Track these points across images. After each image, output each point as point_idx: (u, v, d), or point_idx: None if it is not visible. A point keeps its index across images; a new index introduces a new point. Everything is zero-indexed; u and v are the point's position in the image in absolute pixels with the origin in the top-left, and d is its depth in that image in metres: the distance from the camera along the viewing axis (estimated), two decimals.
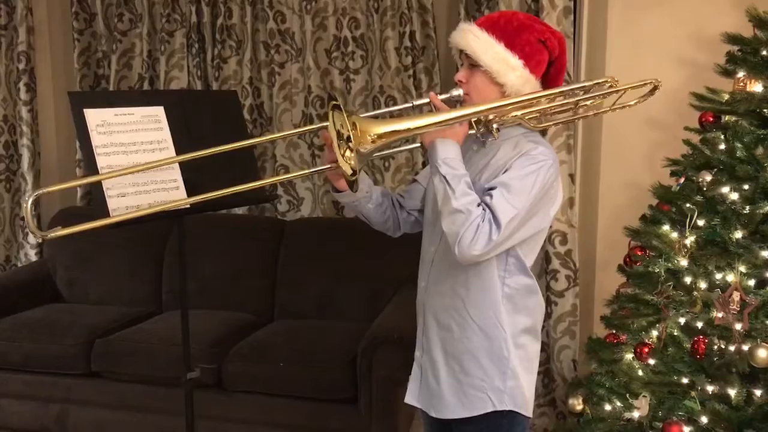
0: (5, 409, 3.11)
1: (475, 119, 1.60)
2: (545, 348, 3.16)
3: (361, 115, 1.53)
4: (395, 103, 3.39)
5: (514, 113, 1.62)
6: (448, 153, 1.53)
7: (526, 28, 1.60)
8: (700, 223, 2.26)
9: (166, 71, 3.66)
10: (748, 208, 2.17)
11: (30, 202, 1.48)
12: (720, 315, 2.09)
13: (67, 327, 3.13)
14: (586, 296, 3.18)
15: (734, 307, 2.07)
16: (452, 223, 1.49)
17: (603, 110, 1.82)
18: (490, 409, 1.63)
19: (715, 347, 2.13)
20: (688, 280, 2.23)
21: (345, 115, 1.44)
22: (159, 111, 2.10)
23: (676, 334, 2.26)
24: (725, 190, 2.21)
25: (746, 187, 2.18)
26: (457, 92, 1.63)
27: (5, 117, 3.83)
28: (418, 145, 1.70)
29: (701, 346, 2.11)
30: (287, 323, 3.23)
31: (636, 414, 2.28)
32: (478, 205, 1.50)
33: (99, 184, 1.94)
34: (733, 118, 2.30)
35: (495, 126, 1.61)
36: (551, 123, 1.78)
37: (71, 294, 3.60)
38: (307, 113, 3.54)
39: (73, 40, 3.75)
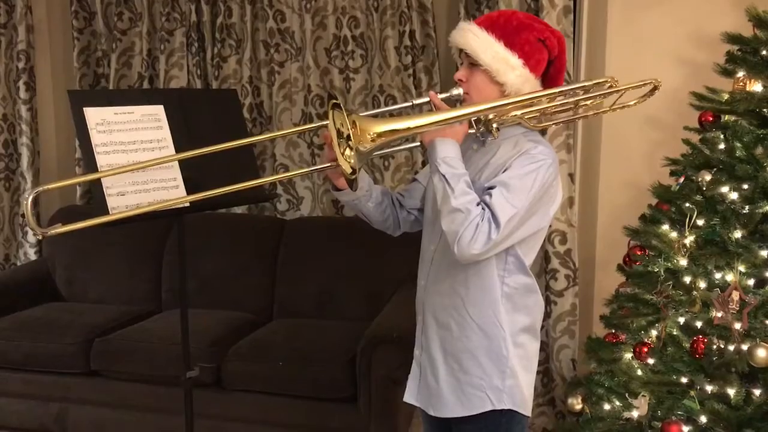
0: (4, 408, 3.10)
1: (475, 118, 1.61)
2: (544, 347, 3.16)
3: (361, 114, 1.53)
4: (395, 102, 3.39)
5: (513, 113, 1.62)
6: (448, 152, 1.53)
7: (526, 27, 1.60)
8: (700, 222, 2.26)
9: (166, 70, 3.66)
10: (747, 207, 2.17)
11: (30, 199, 1.47)
12: (719, 314, 2.09)
13: (67, 326, 3.13)
14: (586, 296, 3.18)
15: (733, 306, 2.07)
16: (451, 222, 1.49)
17: (603, 110, 1.82)
18: (488, 408, 1.63)
19: (715, 347, 2.13)
20: (687, 279, 2.23)
21: (345, 114, 1.44)
22: (159, 110, 2.10)
23: (675, 333, 2.26)
24: (725, 189, 2.21)
25: (746, 186, 2.18)
26: (457, 91, 1.63)
27: (5, 116, 3.83)
28: (418, 144, 1.70)
29: (700, 346, 2.12)
30: (286, 322, 3.23)
31: (635, 413, 2.28)
32: (478, 204, 1.50)
33: (99, 182, 1.93)
34: (733, 118, 2.30)
35: (495, 125, 1.61)
36: (551, 123, 1.79)
37: (70, 293, 3.60)
38: (307, 112, 3.54)
39: (73, 39, 3.75)
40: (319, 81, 3.52)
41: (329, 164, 1.63)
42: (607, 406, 2.41)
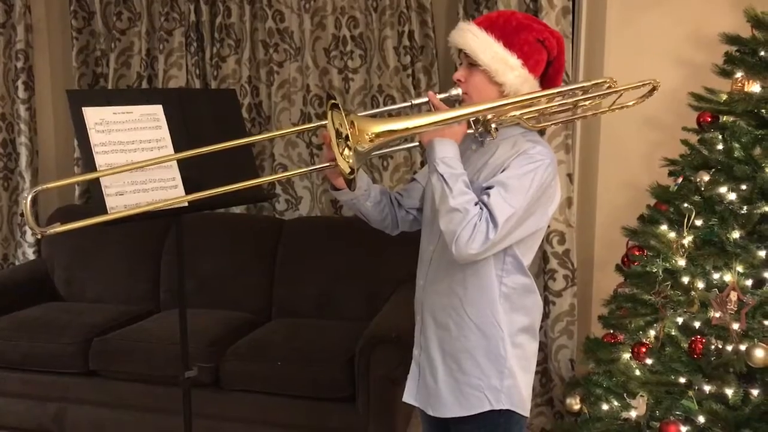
0: (3, 408, 3.10)
1: (474, 119, 1.61)
2: (543, 348, 3.16)
3: (360, 114, 1.53)
4: (394, 103, 3.39)
5: (512, 113, 1.62)
6: (446, 152, 1.53)
7: (525, 27, 1.60)
8: (698, 223, 2.26)
9: (165, 70, 3.66)
10: (745, 208, 2.17)
11: (29, 198, 1.47)
12: (717, 315, 2.10)
13: (65, 326, 3.13)
14: (584, 296, 3.19)
15: (731, 306, 2.07)
16: (449, 221, 1.50)
17: (602, 111, 1.82)
18: (487, 408, 1.63)
19: (713, 347, 2.13)
20: (685, 279, 2.23)
21: (343, 114, 1.44)
22: (157, 109, 2.10)
23: (673, 333, 2.26)
24: (723, 190, 2.22)
25: (744, 187, 2.18)
26: (456, 92, 1.63)
27: (3, 115, 3.82)
28: (417, 144, 1.70)
29: (699, 346, 2.12)
30: (285, 322, 3.23)
31: (633, 413, 2.28)
32: (476, 204, 1.50)
33: (97, 182, 1.93)
34: (731, 119, 2.30)
35: (493, 125, 1.61)
36: (550, 123, 1.79)
37: (69, 292, 3.60)
38: (306, 112, 3.54)
39: (72, 39, 3.75)
40: (318, 81, 3.52)
41: (328, 164, 1.63)
42: (605, 407, 2.42)
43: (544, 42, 1.61)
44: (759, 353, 1.99)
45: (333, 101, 1.51)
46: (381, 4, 3.39)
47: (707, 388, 2.13)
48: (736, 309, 2.07)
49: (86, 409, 3.04)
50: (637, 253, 2.47)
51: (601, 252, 3.12)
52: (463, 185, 1.51)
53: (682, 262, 2.26)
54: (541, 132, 1.78)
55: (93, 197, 1.98)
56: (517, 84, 1.59)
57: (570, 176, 3.08)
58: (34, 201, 3.81)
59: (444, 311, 1.67)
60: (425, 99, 1.60)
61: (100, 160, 1.97)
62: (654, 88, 1.74)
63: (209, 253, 3.42)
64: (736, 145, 2.22)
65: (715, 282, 2.19)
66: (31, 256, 3.87)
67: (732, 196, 2.20)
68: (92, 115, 1.99)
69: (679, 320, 2.26)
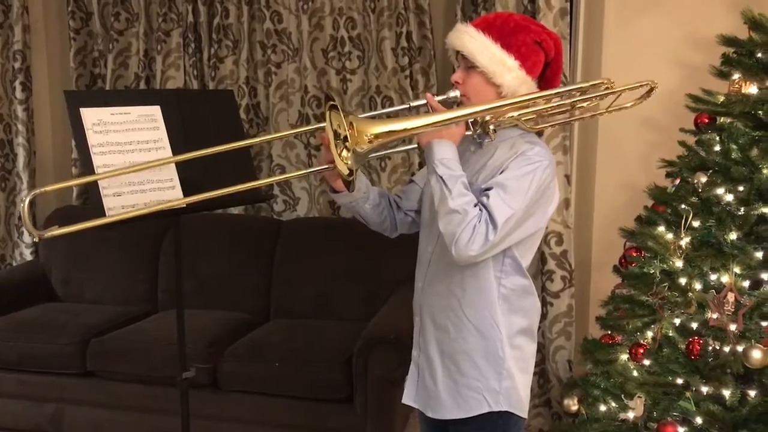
0: (0, 408, 3.10)
1: (472, 120, 1.61)
2: (541, 349, 3.16)
3: (359, 116, 1.53)
4: (392, 104, 3.40)
5: (510, 114, 1.62)
6: (445, 153, 1.53)
7: (522, 29, 1.60)
8: (695, 224, 2.27)
9: (163, 71, 3.66)
10: (742, 209, 2.18)
11: (27, 201, 1.46)
12: (715, 316, 2.10)
13: (63, 326, 3.13)
14: (582, 297, 3.19)
15: (729, 308, 2.08)
16: (449, 223, 1.49)
17: (599, 112, 1.83)
18: (485, 410, 1.63)
19: (710, 348, 2.14)
20: (683, 281, 2.24)
21: (342, 115, 1.44)
22: (155, 110, 2.10)
23: (671, 334, 2.27)
24: (720, 191, 2.22)
25: (741, 188, 2.19)
26: (454, 94, 1.63)
27: (0, 116, 3.82)
28: (415, 146, 1.70)
29: (696, 347, 2.12)
30: (283, 323, 3.23)
31: (631, 414, 2.29)
32: (475, 205, 1.50)
33: (95, 183, 1.93)
34: (729, 120, 2.31)
35: (491, 127, 1.61)
36: (548, 124, 1.79)
37: (66, 293, 3.59)
38: (304, 113, 3.54)
39: (69, 39, 3.75)
40: (316, 82, 3.52)
41: (326, 166, 1.63)
42: (603, 407, 2.42)
43: (542, 43, 1.61)
44: (756, 354, 1.99)
45: (332, 102, 1.50)
46: (379, 5, 3.39)
47: (704, 389, 2.13)
48: (733, 310, 2.08)
49: (83, 410, 3.03)
50: (634, 255, 2.48)
51: (599, 253, 3.12)
52: (462, 187, 1.51)
53: (679, 264, 2.26)
54: (540, 133, 1.78)
55: (91, 198, 1.98)
56: (514, 85, 1.59)
57: (568, 177, 3.08)
58: (32, 202, 3.81)
59: (443, 313, 1.67)
60: (423, 101, 1.61)
61: (97, 160, 1.97)
62: (651, 90, 1.74)
63: (207, 254, 3.42)
64: (734, 147, 2.22)
65: (712, 283, 2.19)
66: (29, 257, 3.86)
67: (729, 198, 2.20)
68: (90, 115, 1.99)
69: (677, 321, 2.27)
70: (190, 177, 2.05)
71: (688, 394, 2.15)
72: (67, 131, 3.80)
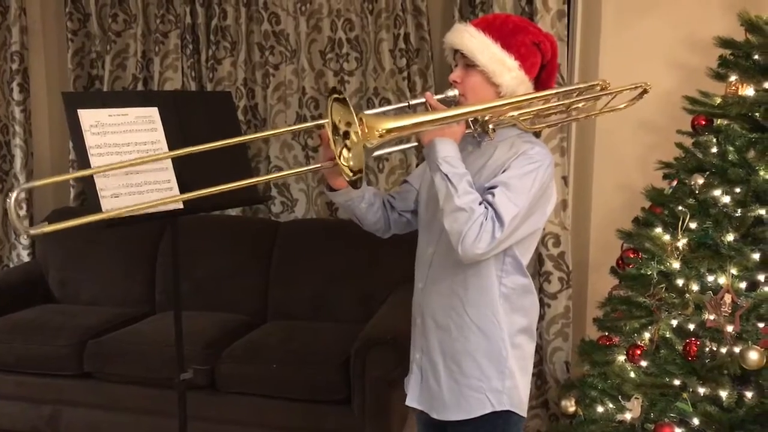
0: None
1: (472, 119, 1.61)
2: (538, 350, 3.16)
3: (366, 112, 1.53)
4: (389, 105, 3.40)
5: (510, 113, 1.63)
6: (448, 152, 1.54)
7: (521, 30, 1.61)
8: (693, 225, 2.27)
9: (161, 72, 3.66)
10: (739, 211, 2.18)
11: (14, 196, 1.41)
12: (712, 317, 2.10)
13: (60, 328, 3.12)
14: (579, 298, 3.19)
15: (726, 309, 2.08)
16: (455, 221, 1.49)
17: (594, 113, 1.84)
18: (488, 410, 1.63)
19: (707, 349, 2.14)
20: (680, 282, 2.24)
21: (352, 111, 1.42)
22: (153, 112, 2.10)
23: (668, 336, 2.27)
24: (717, 193, 2.23)
25: (738, 190, 2.19)
26: (453, 93, 1.64)
27: None
28: (414, 145, 1.71)
29: (693, 348, 2.12)
30: (281, 324, 3.23)
31: (628, 416, 2.29)
32: (480, 203, 1.50)
33: (92, 185, 1.93)
34: (725, 122, 2.31)
35: (491, 126, 1.62)
36: (544, 125, 1.81)
37: (63, 294, 3.59)
38: (302, 114, 3.54)
39: (67, 41, 3.74)
40: (314, 83, 3.53)
41: (327, 163, 1.63)
42: (600, 409, 2.42)
43: (539, 45, 1.62)
44: (753, 355, 1.99)
45: (337, 96, 1.48)
46: (377, 6, 3.40)
47: (702, 391, 2.13)
48: (730, 311, 2.08)
49: (81, 412, 3.03)
50: (631, 256, 2.48)
51: (596, 254, 3.12)
52: (467, 185, 1.51)
53: (676, 265, 2.27)
54: (537, 134, 1.80)
55: (88, 199, 1.97)
56: (513, 85, 1.60)
57: (565, 179, 3.09)
58: (29, 204, 3.81)
59: (444, 313, 1.67)
60: (422, 100, 1.61)
61: (95, 162, 1.97)
62: (645, 91, 1.76)
63: (205, 255, 3.41)
64: (730, 148, 2.23)
65: (709, 284, 2.19)
66: (26, 258, 3.86)
67: (726, 199, 2.21)
68: (87, 117, 1.99)
69: (674, 323, 2.27)
70: (188, 179, 2.05)
71: (685, 395, 2.15)
72: (64, 133, 3.79)
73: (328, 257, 3.33)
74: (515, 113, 1.63)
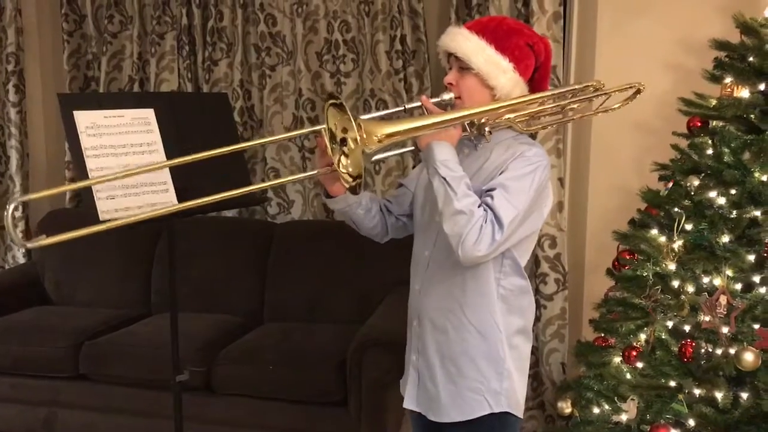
0: None
1: (469, 122, 1.62)
2: (534, 351, 3.17)
3: (363, 117, 1.53)
4: (386, 107, 3.40)
5: (506, 116, 1.63)
6: (446, 155, 1.54)
7: (516, 32, 1.62)
8: (688, 227, 2.28)
9: (157, 73, 3.66)
10: (735, 212, 2.18)
11: (11, 209, 1.41)
12: (707, 319, 2.11)
13: (56, 329, 3.11)
14: (575, 300, 3.20)
15: (721, 310, 2.08)
16: (454, 224, 1.49)
17: (588, 113, 1.85)
18: (486, 412, 1.63)
19: (703, 351, 2.14)
20: (675, 283, 2.24)
21: (351, 117, 1.41)
22: (149, 113, 2.10)
23: (664, 337, 2.27)
24: (713, 194, 2.23)
25: (733, 191, 2.19)
26: (449, 96, 1.64)
27: None
28: (411, 149, 1.71)
29: (689, 350, 2.13)
30: (277, 326, 3.22)
31: (624, 417, 2.29)
32: (479, 206, 1.50)
33: (85, 172, 1.92)
34: (721, 124, 2.32)
35: (487, 128, 1.62)
36: (539, 126, 1.81)
37: (59, 296, 3.58)
38: (298, 116, 3.54)
39: (63, 42, 3.74)
40: (311, 85, 3.53)
41: (325, 168, 1.63)
42: (596, 410, 2.42)
43: (533, 46, 1.62)
44: (748, 356, 2.00)
45: (334, 101, 1.47)
46: (373, 8, 3.40)
47: (697, 392, 2.14)
48: (725, 313, 2.08)
49: (76, 414, 3.02)
50: (627, 257, 2.49)
51: (592, 256, 3.13)
52: (466, 187, 1.51)
53: (672, 266, 2.27)
54: (533, 135, 1.80)
55: (84, 201, 1.97)
56: (508, 87, 1.60)
57: (561, 180, 3.09)
58: (25, 205, 3.80)
59: (442, 314, 1.67)
60: (418, 103, 1.61)
61: (91, 163, 1.97)
62: (638, 91, 1.77)
63: (201, 257, 3.41)
64: (726, 150, 2.23)
65: (704, 286, 2.20)
66: (21, 260, 3.85)
67: (721, 201, 2.21)
68: (83, 118, 1.99)
69: (670, 324, 2.27)
70: (184, 180, 2.05)
71: (680, 396, 2.16)
72: (60, 134, 3.79)
73: (324, 258, 3.33)
74: (511, 115, 1.63)
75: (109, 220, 1.80)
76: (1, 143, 3.83)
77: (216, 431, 2.87)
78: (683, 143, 2.50)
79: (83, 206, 2.02)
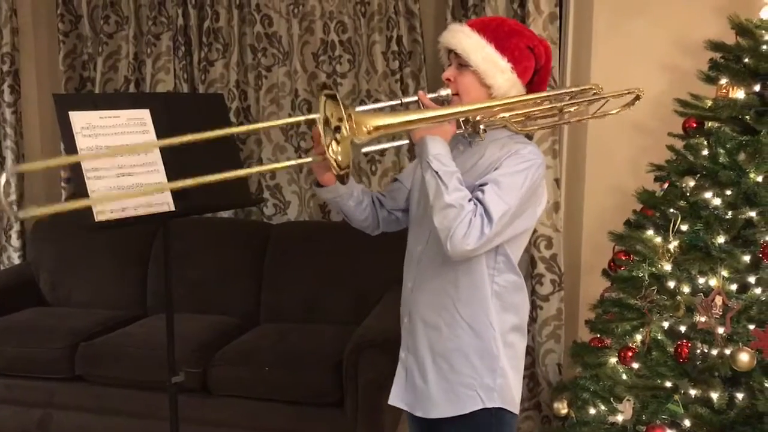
0: None
1: (463, 119, 1.62)
2: (530, 352, 3.17)
3: (357, 109, 1.53)
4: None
5: (501, 115, 1.63)
6: (439, 149, 1.54)
7: (516, 33, 1.62)
8: (684, 228, 2.28)
9: (153, 74, 3.65)
10: (730, 213, 2.19)
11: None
12: (703, 319, 2.11)
13: (51, 330, 3.11)
14: (571, 300, 3.20)
15: (717, 311, 2.09)
16: (444, 218, 1.50)
17: (586, 117, 1.85)
18: (479, 407, 1.63)
19: (698, 351, 2.15)
20: (671, 284, 2.25)
21: (342, 106, 1.42)
22: (145, 114, 2.09)
23: (659, 338, 2.28)
24: (708, 195, 2.24)
25: (729, 192, 2.20)
26: (446, 92, 1.64)
27: None
28: (406, 142, 1.71)
29: (684, 350, 2.13)
30: (273, 327, 3.22)
31: (620, 417, 2.30)
32: (470, 200, 1.51)
33: (83, 187, 1.92)
34: (716, 125, 2.32)
35: (482, 127, 1.63)
36: (536, 127, 1.81)
37: (55, 297, 3.57)
38: (294, 116, 3.54)
39: (59, 42, 3.73)
40: (307, 85, 3.53)
41: (318, 156, 1.63)
42: (592, 411, 2.43)
43: (534, 49, 1.63)
44: (744, 357, 2.00)
45: (328, 92, 1.48)
46: (369, 9, 3.40)
47: (693, 392, 2.14)
48: (721, 313, 2.09)
49: (72, 415, 3.01)
50: (623, 258, 2.49)
51: (588, 257, 3.13)
52: (457, 182, 1.52)
53: (668, 267, 2.28)
54: (529, 136, 1.81)
55: (74, 180, 1.96)
56: (505, 87, 1.60)
57: (557, 181, 3.10)
58: (20, 206, 3.79)
59: (434, 311, 1.67)
60: (415, 98, 1.61)
61: (86, 164, 1.96)
62: (638, 97, 1.77)
63: (197, 258, 3.41)
64: (721, 151, 2.24)
65: (700, 286, 2.20)
66: (16, 261, 3.84)
67: (717, 201, 2.22)
68: (79, 119, 1.98)
69: (665, 324, 2.28)
70: (179, 178, 2.04)
71: (676, 397, 2.16)
72: (56, 135, 3.78)
73: (320, 259, 3.33)
74: (506, 114, 1.64)
75: (105, 216, 1.80)
76: None
77: None
78: (679, 144, 2.50)
79: (73, 185, 2.01)
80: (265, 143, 3.59)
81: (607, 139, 3.02)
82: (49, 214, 1.38)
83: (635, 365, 2.30)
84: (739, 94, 2.28)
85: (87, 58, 3.77)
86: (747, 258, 2.15)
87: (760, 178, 2.15)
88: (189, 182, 1.53)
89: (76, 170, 1.96)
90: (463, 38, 1.61)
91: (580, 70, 3.09)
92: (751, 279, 2.15)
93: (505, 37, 1.60)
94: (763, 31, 2.25)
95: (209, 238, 3.48)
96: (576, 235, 3.19)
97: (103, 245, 3.49)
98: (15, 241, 3.83)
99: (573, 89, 1.76)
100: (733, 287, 2.15)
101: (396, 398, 1.77)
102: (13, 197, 3.71)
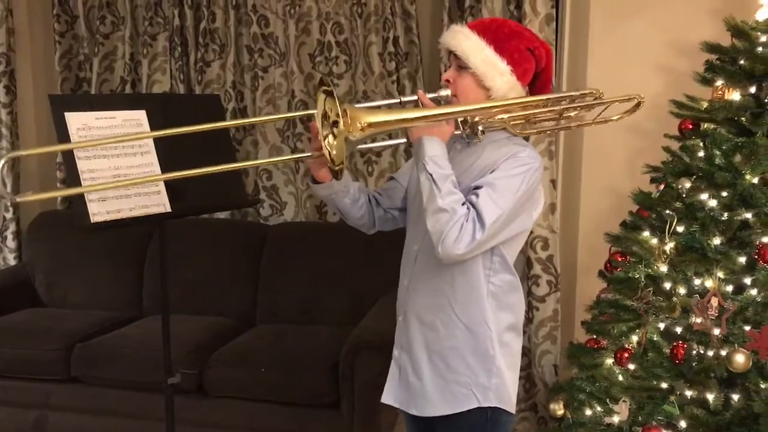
0: None
1: (462, 119, 1.62)
2: (527, 353, 3.17)
3: (354, 105, 1.53)
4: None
5: (500, 116, 1.63)
6: (435, 151, 1.54)
7: (517, 35, 1.62)
8: (680, 229, 2.28)
9: (149, 74, 3.65)
10: (726, 214, 2.19)
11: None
12: (699, 320, 2.11)
13: (47, 332, 3.10)
14: (567, 301, 3.20)
15: (712, 312, 2.09)
16: (437, 221, 1.50)
17: (586, 123, 1.84)
18: (474, 406, 1.63)
19: (694, 352, 2.15)
20: (667, 285, 2.25)
21: (337, 102, 1.42)
22: (141, 115, 2.09)
23: (655, 339, 2.28)
24: (704, 196, 2.24)
25: (724, 194, 2.20)
26: (445, 92, 1.64)
27: None
28: (403, 141, 1.71)
29: (680, 351, 2.13)
30: (269, 328, 3.22)
31: (616, 419, 2.30)
32: (463, 204, 1.51)
33: (76, 173, 1.92)
34: (712, 126, 2.33)
35: (480, 128, 1.62)
36: (535, 130, 1.80)
37: (51, 298, 3.56)
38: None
39: (55, 43, 3.73)
40: (303, 86, 3.52)
41: (313, 152, 1.63)
42: (588, 412, 2.43)
43: (534, 51, 1.63)
44: (739, 358, 2.00)
45: (325, 87, 1.48)
46: (366, 10, 3.40)
47: (689, 393, 2.14)
48: (717, 314, 2.09)
49: (68, 416, 3.00)
50: (619, 259, 2.49)
51: (584, 258, 3.13)
52: (452, 185, 1.52)
53: (664, 268, 2.28)
54: (526, 139, 1.81)
55: (74, 203, 1.96)
56: (504, 89, 1.60)
57: (553, 182, 3.10)
58: (16, 207, 3.78)
59: (430, 311, 1.67)
60: (414, 97, 1.61)
61: (82, 165, 1.96)
62: (639, 104, 1.76)
63: (193, 259, 3.40)
64: (717, 153, 2.24)
65: (696, 288, 2.20)
66: (12, 262, 3.82)
67: (713, 203, 2.22)
68: (75, 120, 1.98)
69: (661, 326, 2.28)
70: (177, 183, 2.04)
71: (672, 398, 2.16)
72: (51, 135, 3.73)
73: (317, 260, 3.33)
74: (505, 116, 1.64)
75: (101, 217, 1.79)
76: None
77: None
78: (675, 145, 2.50)
79: (74, 207, 2.01)
80: (262, 144, 3.59)
81: (604, 140, 3.03)
82: (44, 199, 1.37)
83: (631, 366, 2.30)
84: (735, 95, 2.28)
85: (83, 59, 3.76)
86: (743, 259, 2.15)
87: (755, 180, 2.15)
88: (185, 174, 1.54)
89: (72, 171, 1.96)
90: (463, 40, 1.61)
91: (577, 71, 3.10)
92: (747, 280, 2.15)
93: (505, 39, 1.60)
94: (759, 33, 2.25)
95: (205, 239, 3.47)
96: (572, 237, 3.20)
97: (99, 246, 3.48)
98: (11, 242, 3.82)
99: (572, 93, 1.75)
100: (729, 288, 2.15)
101: (389, 396, 1.77)
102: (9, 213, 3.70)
